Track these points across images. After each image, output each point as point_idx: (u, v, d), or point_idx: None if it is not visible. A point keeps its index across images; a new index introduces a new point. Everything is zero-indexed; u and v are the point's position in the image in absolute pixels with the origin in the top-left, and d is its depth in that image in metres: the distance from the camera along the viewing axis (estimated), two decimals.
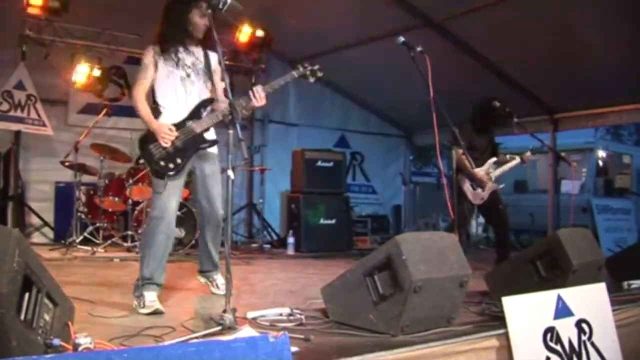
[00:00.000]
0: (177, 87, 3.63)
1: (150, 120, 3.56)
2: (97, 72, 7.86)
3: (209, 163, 3.74)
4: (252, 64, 8.79)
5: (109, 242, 7.02)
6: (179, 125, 3.58)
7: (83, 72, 7.74)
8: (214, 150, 3.80)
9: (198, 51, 3.73)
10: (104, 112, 7.47)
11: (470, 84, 7.97)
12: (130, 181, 7.01)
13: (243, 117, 3.42)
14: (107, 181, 7.31)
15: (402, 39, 4.03)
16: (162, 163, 3.51)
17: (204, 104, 3.68)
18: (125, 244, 7.06)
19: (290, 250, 7.75)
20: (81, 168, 7.23)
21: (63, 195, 8.08)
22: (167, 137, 3.51)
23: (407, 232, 3.53)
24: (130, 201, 7.18)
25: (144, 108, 3.57)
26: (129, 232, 7.14)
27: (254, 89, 3.52)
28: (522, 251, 4.61)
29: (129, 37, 7.88)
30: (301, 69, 3.77)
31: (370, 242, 8.90)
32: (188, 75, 3.65)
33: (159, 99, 3.67)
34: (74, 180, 7.40)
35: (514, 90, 8.25)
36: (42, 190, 8.15)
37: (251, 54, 8.68)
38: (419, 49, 3.98)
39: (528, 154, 5.92)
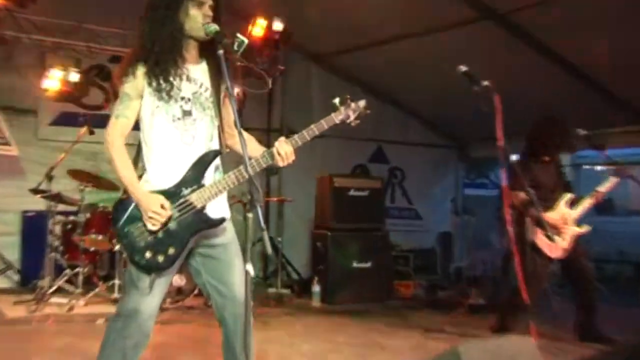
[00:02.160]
0: (169, 133, 3.15)
1: (133, 186, 3.08)
2: (74, 77, 7.72)
3: (217, 236, 3.26)
4: (268, 65, 8.54)
5: (91, 294, 6.88)
6: (172, 195, 3.11)
7: (56, 77, 7.62)
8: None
9: (199, 68, 3.26)
10: (84, 130, 7.30)
11: (541, 87, 8.00)
12: None
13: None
14: (88, 215, 7.17)
15: (463, 68, 4.01)
16: (147, 254, 3.08)
17: (207, 160, 3.19)
18: (112, 296, 6.92)
19: (316, 301, 7.64)
20: (56, 198, 7.09)
21: (32, 228, 8.02)
22: (158, 218, 3.05)
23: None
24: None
25: (122, 163, 3.10)
26: (116, 282, 7.01)
27: (279, 143, 3.20)
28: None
29: (113, 33, 7.72)
30: (344, 110, 3.37)
31: (414, 288, 8.71)
32: (187, 113, 3.17)
33: (144, 149, 3.22)
34: (46, 209, 7.28)
35: (598, 95, 8.08)
36: (6, 221, 8.06)
37: (266, 52, 8.38)
38: (484, 83, 3.90)
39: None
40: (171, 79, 3.12)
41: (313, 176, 8.72)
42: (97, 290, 6.98)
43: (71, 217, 7.78)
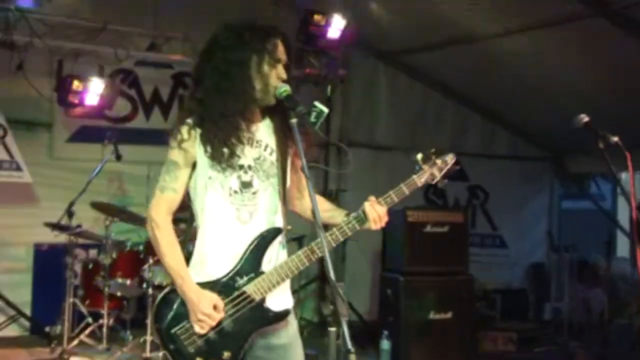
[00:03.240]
0: (223, 210, 3.00)
1: (181, 280, 2.94)
2: (97, 87, 7.44)
3: (277, 334, 3.09)
4: (327, 68, 8.37)
5: (118, 354, 6.62)
6: (225, 287, 2.97)
7: (74, 91, 7.36)
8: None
9: (262, 126, 3.11)
10: (108, 156, 7.09)
11: None
12: (151, 261, 6.62)
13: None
14: (113, 255, 6.95)
15: (585, 118, 3.71)
16: None
17: (266, 241, 3.02)
18: (143, 355, 6.62)
19: None
20: (76, 234, 6.88)
21: (45, 264, 7.90)
22: (208, 322, 2.91)
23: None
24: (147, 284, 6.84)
25: (170, 249, 2.98)
26: (148, 338, 6.63)
27: (370, 203, 3.07)
28: None
29: (144, 35, 7.67)
30: (428, 169, 3.20)
31: (502, 342, 8.18)
32: (246, 185, 3.02)
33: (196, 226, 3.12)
34: (63, 242, 7.08)
35: None
36: (16, 256, 7.89)
37: (325, 53, 8.30)
38: (614, 139, 3.64)
39: None
40: (231, 143, 2.97)
41: (379, 196, 8.19)
42: (125, 349, 6.74)
43: (92, 254, 7.79)
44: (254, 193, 3.02)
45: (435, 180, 3.25)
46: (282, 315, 3.05)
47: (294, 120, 2.87)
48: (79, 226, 6.96)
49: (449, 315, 7.51)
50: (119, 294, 7.06)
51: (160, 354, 6.41)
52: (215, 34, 3.07)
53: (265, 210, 3.04)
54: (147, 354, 6.62)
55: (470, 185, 10.24)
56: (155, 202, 3.03)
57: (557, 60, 8.12)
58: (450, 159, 3.27)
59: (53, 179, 7.88)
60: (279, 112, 3.06)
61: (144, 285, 6.85)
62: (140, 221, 7.08)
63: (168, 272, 3.01)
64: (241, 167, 3.01)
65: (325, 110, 3.13)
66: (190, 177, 3.05)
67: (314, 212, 2.79)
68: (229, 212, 3.00)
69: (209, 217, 3.02)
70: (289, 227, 3.18)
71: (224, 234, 3.01)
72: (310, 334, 8.00)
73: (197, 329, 2.93)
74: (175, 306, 2.98)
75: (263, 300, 2.99)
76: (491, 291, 9.26)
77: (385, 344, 7.20)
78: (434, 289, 7.52)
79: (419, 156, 3.28)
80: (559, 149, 10.64)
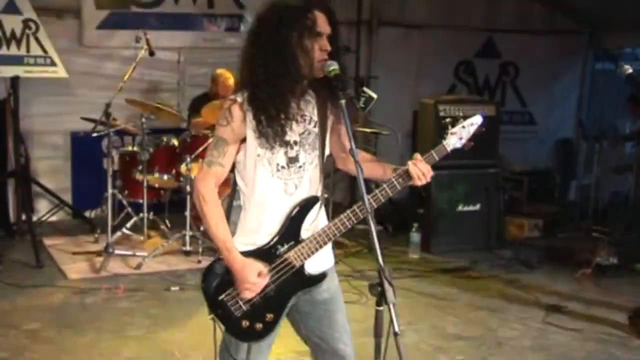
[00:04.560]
0: (271, 185, 3.18)
1: (228, 251, 3.11)
2: None
3: (319, 289, 3.34)
4: None
5: (159, 249, 7.17)
6: (267, 255, 3.18)
7: None
8: None
9: (306, 99, 3.23)
10: (142, 52, 7.24)
11: None
12: (189, 158, 7.03)
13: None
14: (151, 150, 7.35)
15: (628, 69, 4.02)
16: (244, 323, 3.22)
17: (305, 210, 3.23)
18: (183, 248, 7.30)
19: (414, 252, 7.69)
20: (111, 126, 7.13)
21: (83, 151, 8.41)
22: (254, 289, 3.15)
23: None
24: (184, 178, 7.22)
25: (217, 222, 3.12)
26: (186, 233, 7.25)
27: (414, 162, 3.16)
28: None
29: None
30: (457, 132, 3.28)
31: (528, 229, 8.55)
32: (292, 160, 3.18)
33: (241, 197, 3.30)
34: (99, 128, 7.32)
35: None
36: (52, 143, 8.39)
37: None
38: None
39: None
40: (280, 123, 3.06)
41: (409, 78, 8.81)
42: (165, 244, 7.29)
43: (127, 141, 8.15)
44: (300, 167, 3.17)
45: (462, 144, 3.31)
46: (320, 279, 3.25)
47: (343, 102, 2.95)
48: (114, 120, 7.13)
49: (477, 207, 7.97)
50: (156, 185, 7.52)
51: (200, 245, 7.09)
52: (258, 14, 3.13)
53: (309, 181, 3.20)
54: (187, 247, 7.23)
55: (502, 62, 10.40)
56: (202, 175, 3.12)
57: None
58: (478, 120, 3.29)
59: (84, 66, 8.20)
60: (324, 86, 3.11)
61: (181, 179, 7.27)
62: (173, 118, 7.51)
63: (214, 242, 3.15)
64: (287, 143, 3.12)
65: (375, 96, 3.26)
66: (237, 152, 3.16)
67: (360, 187, 2.90)
68: (277, 186, 3.16)
69: (258, 191, 3.18)
70: (326, 195, 3.36)
71: (271, 206, 3.18)
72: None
73: (243, 295, 3.13)
74: (221, 274, 3.18)
75: (303, 265, 3.17)
76: (518, 173, 9.50)
77: (415, 237, 7.67)
78: (464, 182, 7.90)
79: (448, 120, 3.34)
80: (596, 20, 10.60)
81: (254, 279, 3.10)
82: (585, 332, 5.81)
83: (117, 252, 7.08)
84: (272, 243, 3.17)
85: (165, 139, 7.58)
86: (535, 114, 10.87)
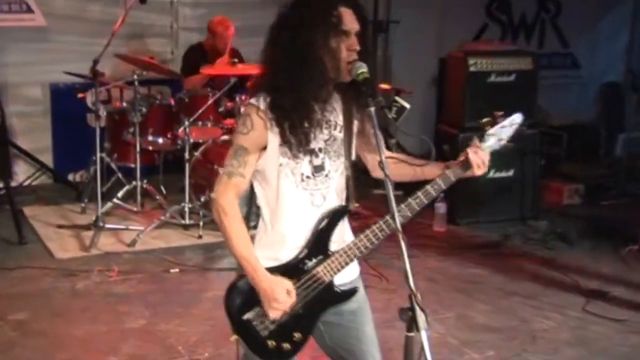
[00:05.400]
0: (297, 197, 3.15)
1: (254, 271, 3.07)
2: None
3: (346, 300, 3.32)
4: None
5: (156, 222, 6.95)
6: (295, 271, 3.16)
7: None
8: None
9: (331, 104, 3.17)
10: None
11: None
12: (187, 121, 6.82)
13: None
14: (143, 110, 7.06)
15: None
16: (270, 343, 3.21)
17: (333, 221, 3.19)
18: (182, 221, 7.08)
19: (440, 225, 7.48)
20: (99, 82, 6.93)
21: (64, 105, 8.14)
22: (282, 308, 3.11)
23: None
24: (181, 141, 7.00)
25: (240, 238, 3.09)
26: (185, 205, 7.01)
27: (473, 149, 3.15)
28: None
29: None
30: (494, 131, 3.21)
31: (567, 196, 8.35)
32: (318, 169, 3.15)
33: (263, 211, 3.26)
34: (80, 81, 7.18)
35: None
36: (29, 97, 8.10)
37: None
38: None
39: None
40: (303, 130, 3.05)
41: (434, 19, 8.89)
42: (163, 218, 7.06)
43: (117, 102, 7.83)
44: (326, 175, 3.14)
45: (501, 144, 3.29)
46: (351, 294, 3.24)
47: (372, 109, 2.89)
48: (102, 75, 6.94)
49: (510, 173, 7.80)
50: (150, 148, 7.33)
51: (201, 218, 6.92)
52: (278, 14, 3.08)
53: (336, 190, 3.18)
54: (187, 221, 7.02)
55: None
56: (222, 188, 3.09)
57: None
58: (518, 119, 3.26)
59: (65, 9, 7.92)
60: (351, 91, 3.08)
61: (178, 142, 7.06)
62: (167, 73, 7.36)
63: (237, 259, 3.11)
64: (312, 151, 3.10)
65: (408, 106, 3.18)
66: (257, 161, 3.12)
67: (388, 201, 2.81)
68: (303, 198, 3.13)
69: (281, 204, 3.15)
70: (357, 205, 3.30)
71: (298, 219, 3.15)
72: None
73: (271, 315, 3.11)
74: (245, 293, 3.16)
75: (332, 280, 3.18)
76: (557, 127, 9.19)
77: (441, 207, 7.50)
78: None
79: (485, 120, 3.27)
80: None
81: (283, 297, 3.09)
82: (630, 324, 5.60)
83: (107, 225, 6.84)
84: (299, 257, 3.18)
85: (159, 96, 7.36)
86: (578, 56, 10.49)
